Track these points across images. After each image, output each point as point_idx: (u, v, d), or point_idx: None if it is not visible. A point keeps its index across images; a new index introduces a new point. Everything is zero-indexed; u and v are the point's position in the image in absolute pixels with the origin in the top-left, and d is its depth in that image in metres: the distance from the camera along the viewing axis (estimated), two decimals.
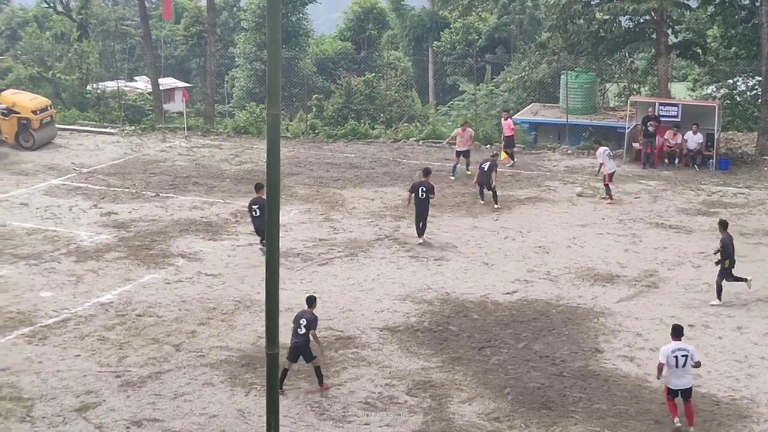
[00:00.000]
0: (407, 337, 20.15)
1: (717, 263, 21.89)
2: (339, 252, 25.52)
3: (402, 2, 67.24)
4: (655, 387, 17.32)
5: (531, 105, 44.25)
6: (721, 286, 21.77)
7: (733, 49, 42.18)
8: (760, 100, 39.61)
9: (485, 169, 29.34)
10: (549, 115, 41.87)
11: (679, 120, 35.19)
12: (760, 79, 39.67)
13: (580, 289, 22.76)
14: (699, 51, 42.93)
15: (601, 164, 30.51)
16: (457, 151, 33.28)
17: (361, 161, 35.54)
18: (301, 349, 17.69)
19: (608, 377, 18.34)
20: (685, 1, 40.57)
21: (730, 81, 43.89)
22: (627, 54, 45.41)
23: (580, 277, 23.52)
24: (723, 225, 22.08)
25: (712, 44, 43.96)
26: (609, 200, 29.98)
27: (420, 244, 25.97)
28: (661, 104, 35.80)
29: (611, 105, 46.69)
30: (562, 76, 41.79)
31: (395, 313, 21.43)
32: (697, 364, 16.44)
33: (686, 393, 16.33)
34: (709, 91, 46.04)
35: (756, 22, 38.43)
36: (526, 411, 16.96)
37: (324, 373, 18.11)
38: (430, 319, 21.06)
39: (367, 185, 31.98)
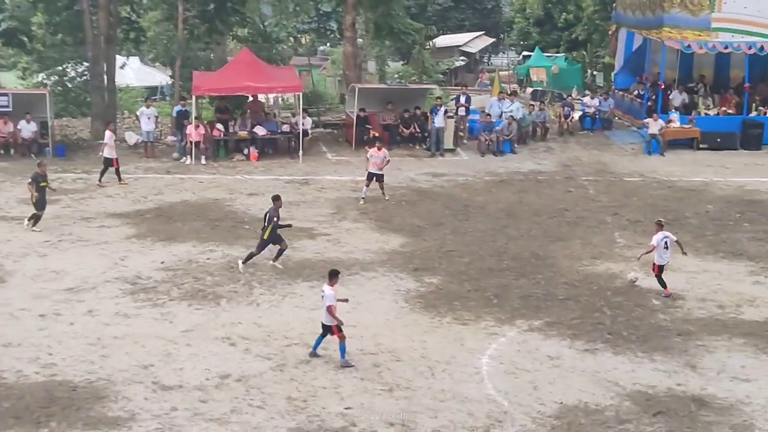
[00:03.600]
0: None
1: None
2: None
3: None
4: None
5: None
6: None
7: (60, 35, 42.45)
8: (90, 86, 40.48)
9: None
10: None
11: (10, 109, 34.61)
12: (87, 65, 40.52)
13: None
14: (25, 39, 42.60)
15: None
16: None
17: None
18: None
19: None
20: None
21: (60, 68, 44.26)
22: None
23: None
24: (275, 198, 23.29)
25: (38, 32, 43.74)
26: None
27: None
28: None
29: None
30: None
31: None
32: None
33: None
34: (39, 78, 45.99)
35: (79, 8, 38.99)
36: None
37: None
38: None
39: None
